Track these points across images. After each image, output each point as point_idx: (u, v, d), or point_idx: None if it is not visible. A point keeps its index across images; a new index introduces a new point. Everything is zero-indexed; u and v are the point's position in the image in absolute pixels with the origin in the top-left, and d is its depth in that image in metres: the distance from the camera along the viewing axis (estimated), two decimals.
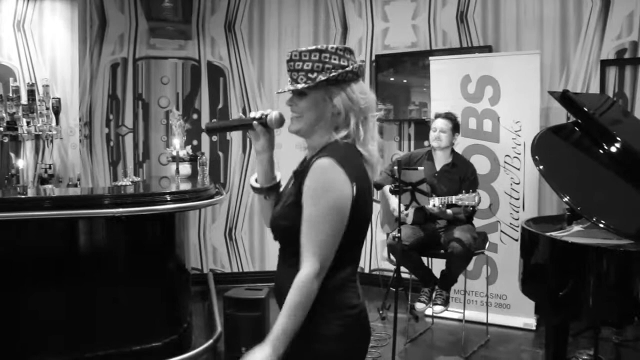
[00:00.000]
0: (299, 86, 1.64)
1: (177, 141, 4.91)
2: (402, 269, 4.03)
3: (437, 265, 4.32)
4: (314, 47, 1.65)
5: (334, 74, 1.62)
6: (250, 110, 5.36)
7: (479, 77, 4.61)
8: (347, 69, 1.64)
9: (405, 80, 5.37)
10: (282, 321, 1.53)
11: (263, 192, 1.82)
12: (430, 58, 4.86)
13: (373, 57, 5.56)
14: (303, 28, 5.80)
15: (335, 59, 1.64)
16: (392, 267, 4.49)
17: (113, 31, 5.55)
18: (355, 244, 1.70)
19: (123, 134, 5.65)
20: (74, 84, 5.10)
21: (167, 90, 5.72)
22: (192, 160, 4.91)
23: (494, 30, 5.03)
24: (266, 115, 1.73)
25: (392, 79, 5.42)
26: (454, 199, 3.82)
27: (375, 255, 5.63)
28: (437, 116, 4.20)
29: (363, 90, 1.67)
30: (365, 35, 5.64)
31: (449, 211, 3.94)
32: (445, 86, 4.73)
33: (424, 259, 4.23)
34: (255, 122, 1.73)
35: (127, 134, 5.66)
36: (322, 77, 1.62)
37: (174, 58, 5.70)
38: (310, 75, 1.63)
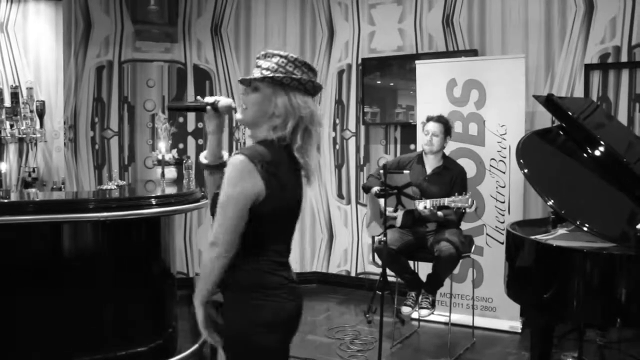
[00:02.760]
0: (249, 77, 1.85)
1: (162, 144, 4.88)
2: (389, 272, 4.02)
3: (424, 269, 4.32)
4: (278, 52, 1.86)
5: (279, 75, 1.81)
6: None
7: (465, 81, 4.62)
8: (294, 76, 1.82)
9: (391, 84, 5.37)
10: (199, 286, 1.84)
11: (209, 169, 2.05)
12: (416, 62, 4.87)
13: (359, 61, 5.57)
14: (289, 32, 5.80)
15: (290, 67, 1.83)
16: (378, 271, 4.47)
17: (98, 33, 5.50)
18: (277, 233, 1.88)
19: (108, 137, 5.61)
20: (59, 86, 5.06)
21: (153, 93, 5.69)
22: (178, 163, 4.89)
23: (480, 34, 5.06)
24: (218, 102, 1.95)
25: (378, 82, 5.42)
26: (446, 200, 3.81)
27: (361, 259, 5.66)
28: (430, 119, 4.18)
29: (306, 102, 1.84)
30: (352, 39, 5.65)
31: (439, 213, 3.94)
32: (431, 90, 4.74)
33: (410, 263, 4.22)
34: (208, 107, 1.95)
35: (113, 137, 5.62)
36: (269, 75, 1.81)
37: (159, 61, 5.66)
38: (264, 72, 1.83)
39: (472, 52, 4.97)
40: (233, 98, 2.09)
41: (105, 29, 5.53)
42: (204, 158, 2.05)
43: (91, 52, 5.49)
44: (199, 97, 2.03)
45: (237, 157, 1.76)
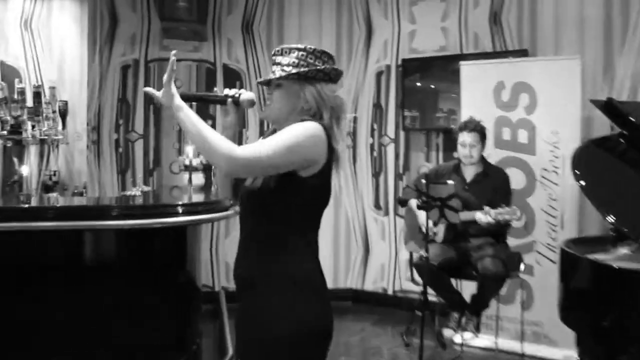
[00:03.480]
0: (272, 76, 1.85)
1: (190, 149, 4.77)
2: (429, 291, 3.91)
3: (468, 289, 4.12)
4: (295, 46, 1.86)
5: (304, 69, 1.81)
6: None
7: (514, 84, 4.43)
8: (318, 67, 1.83)
9: (433, 86, 5.19)
10: (194, 119, 1.72)
11: None
12: (461, 63, 4.68)
13: (399, 62, 5.41)
14: (325, 29, 5.67)
15: (311, 59, 1.84)
16: (418, 289, 4.28)
17: (124, 31, 5.42)
18: (314, 221, 1.85)
19: (133, 140, 5.52)
20: (82, 86, 5.02)
21: None
22: (206, 169, 4.76)
23: (530, 32, 4.84)
24: (239, 95, 1.88)
25: (419, 84, 5.24)
26: (493, 212, 3.66)
27: (399, 275, 5.45)
28: (463, 129, 4.05)
29: (334, 91, 1.86)
30: (391, 38, 5.49)
31: (500, 217, 3.71)
32: (477, 93, 4.56)
33: (453, 281, 4.08)
34: (229, 100, 1.88)
35: (137, 140, 5.52)
36: (294, 71, 1.82)
37: (188, 60, 5.56)
38: (285, 68, 1.83)
39: (522, 53, 4.77)
40: (263, 98, 1.94)
41: (131, 26, 5.45)
42: None
43: (116, 51, 5.41)
44: (216, 89, 1.91)
45: (310, 122, 1.77)
